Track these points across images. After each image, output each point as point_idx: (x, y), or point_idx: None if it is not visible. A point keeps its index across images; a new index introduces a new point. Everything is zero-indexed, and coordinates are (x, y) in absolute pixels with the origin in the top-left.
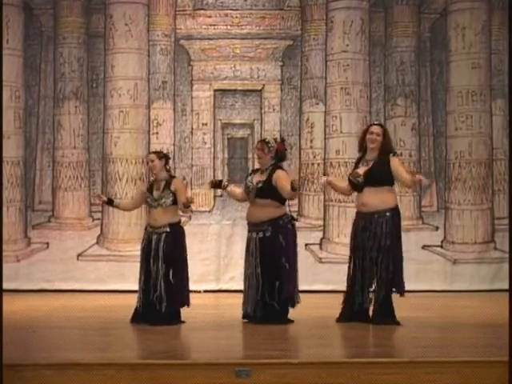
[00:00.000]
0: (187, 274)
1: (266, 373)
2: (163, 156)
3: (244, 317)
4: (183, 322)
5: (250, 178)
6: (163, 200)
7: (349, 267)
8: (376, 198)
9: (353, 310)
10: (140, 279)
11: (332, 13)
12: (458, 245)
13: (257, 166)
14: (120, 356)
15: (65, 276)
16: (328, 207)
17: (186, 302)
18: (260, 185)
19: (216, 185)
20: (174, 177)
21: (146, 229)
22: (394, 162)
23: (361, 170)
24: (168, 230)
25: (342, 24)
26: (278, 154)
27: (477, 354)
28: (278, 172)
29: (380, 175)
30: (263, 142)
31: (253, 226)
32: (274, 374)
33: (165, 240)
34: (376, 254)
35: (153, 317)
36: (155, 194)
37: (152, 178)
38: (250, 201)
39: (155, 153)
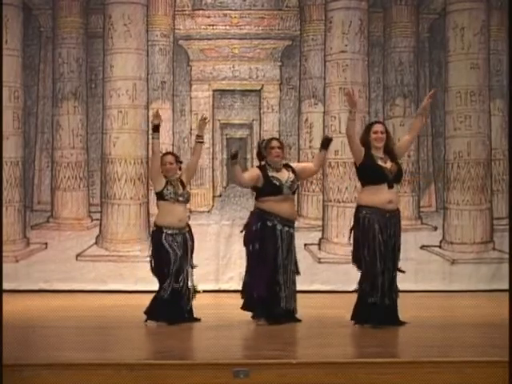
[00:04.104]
0: None
1: (265, 373)
2: (180, 162)
3: (279, 315)
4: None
5: (272, 174)
6: (187, 195)
7: (369, 265)
8: (397, 196)
9: (380, 311)
10: (169, 279)
11: (331, 13)
12: (457, 245)
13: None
14: (118, 356)
15: (64, 276)
16: (327, 207)
17: None
18: (297, 183)
19: (234, 156)
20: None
21: (160, 230)
22: (397, 144)
23: (388, 165)
24: (188, 229)
25: (341, 24)
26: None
27: (477, 353)
28: (294, 165)
29: (401, 173)
30: (281, 141)
31: (287, 221)
32: (274, 374)
33: (190, 238)
34: (393, 253)
35: (184, 314)
36: (178, 190)
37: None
38: (285, 197)
39: (174, 155)
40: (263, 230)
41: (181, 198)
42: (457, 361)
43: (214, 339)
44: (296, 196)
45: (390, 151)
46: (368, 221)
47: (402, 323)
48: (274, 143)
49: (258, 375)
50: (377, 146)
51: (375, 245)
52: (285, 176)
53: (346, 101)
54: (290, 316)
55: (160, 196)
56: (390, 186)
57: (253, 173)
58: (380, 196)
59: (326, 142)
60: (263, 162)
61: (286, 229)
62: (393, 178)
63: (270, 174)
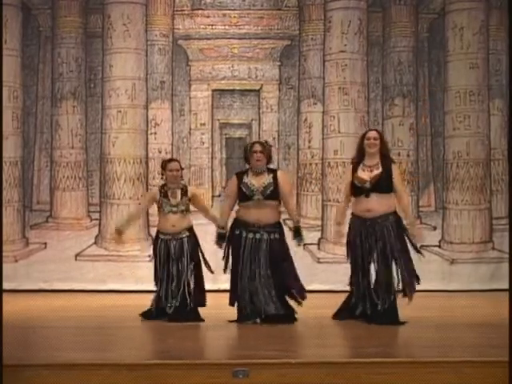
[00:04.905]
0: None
1: (264, 373)
2: (182, 168)
3: (249, 316)
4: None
5: (247, 180)
6: (184, 207)
7: (354, 273)
8: (381, 204)
9: (353, 311)
10: (159, 283)
11: (330, 13)
12: (456, 245)
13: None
14: (118, 356)
15: (63, 276)
16: (326, 207)
17: (204, 301)
18: (271, 188)
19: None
20: (186, 186)
21: (157, 235)
22: (396, 172)
23: (365, 176)
24: (188, 234)
25: (340, 24)
26: (269, 157)
27: (476, 353)
28: (283, 175)
29: (387, 182)
30: (264, 145)
31: (253, 227)
32: (273, 374)
33: (188, 242)
34: (387, 257)
35: (179, 314)
36: (173, 200)
37: (162, 183)
38: (255, 203)
39: (178, 162)
40: (232, 238)
41: (174, 209)
42: (456, 361)
43: (213, 339)
44: (295, 196)
45: (384, 156)
46: (353, 229)
47: (401, 323)
48: (256, 147)
49: (257, 375)
50: (370, 151)
51: (356, 256)
52: (260, 181)
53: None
54: (278, 318)
55: (157, 208)
56: (367, 196)
57: (232, 186)
58: (360, 205)
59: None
60: (247, 166)
61: (251, 235)
62: (371, 188)
63: (245, 180)
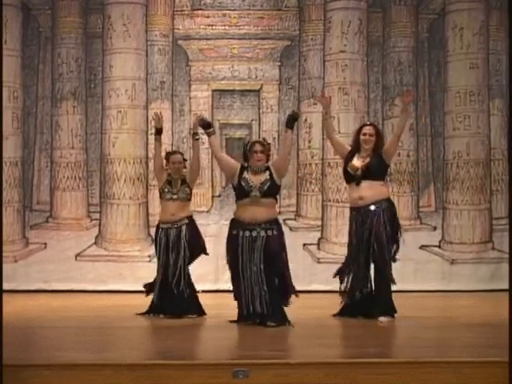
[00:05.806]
0: None
1: (265, 373)
2: (185, 160)
3: (246, 316)
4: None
5: (247, 176)
6: (183, 194)
7: (348, 261)
8: (373, 191)
9: (353, 304)
10: (158, 273)
11: (330, 13)
12: (456, 245)
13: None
14: (119, 356)
15: (63, 276)
16: (326, 207)
17: None
18: (268, 183)
19: (204, 125)
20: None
21: (158, 225)
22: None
23: (358, 164)
24: (187, 221)
25: (340, 24)
26: (268, 156)
27: (476, 354)
28: (271, 165)
29: (377, 169)
30: (264, 144)
31: (248, 225)
32: (273, 375)
33: (186, 229)
34: (376, 245)
35: (176, 306)
36: (174, 188)
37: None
38: (252, 200)
39: (181, 154)
40: (230, 239)
41: (174, 196)
42: (455, 361)
43: (213, 339)
44: (295, 196)
45: (378, 150)
46: (350, 220)
47: (394, 312)
48: (257, 147)
49: (257, 375)
50: (365, 147)
51: (352, 247)
52: (258, 178)
53: (318, 101)
54: (263, 319)
55: (159, 194)
56: (358, 184)
57: (233, 162)
58: (352, 194)
59: (290, 119)
60: (246, 164)
61: (247, 233)
62: (361, 175)
63: (245, 175)
